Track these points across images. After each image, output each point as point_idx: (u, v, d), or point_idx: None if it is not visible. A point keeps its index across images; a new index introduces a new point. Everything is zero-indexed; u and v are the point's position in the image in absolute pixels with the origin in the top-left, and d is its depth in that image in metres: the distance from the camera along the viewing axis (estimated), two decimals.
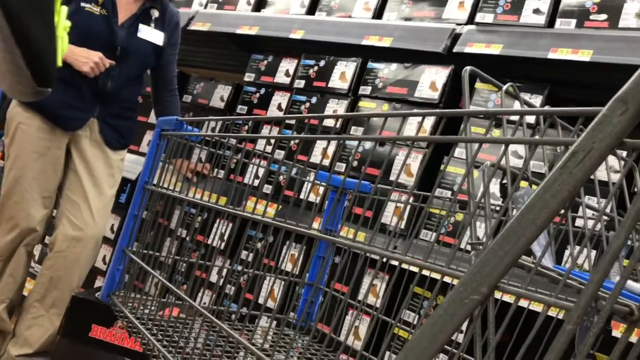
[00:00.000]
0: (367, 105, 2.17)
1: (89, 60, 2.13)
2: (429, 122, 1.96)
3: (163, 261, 1.42)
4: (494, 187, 1.77)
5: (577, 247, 1.51)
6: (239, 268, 2.09)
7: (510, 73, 1.95)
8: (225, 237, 2.34)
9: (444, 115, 0.72)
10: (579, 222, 1.57)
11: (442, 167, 1.92)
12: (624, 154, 1.40)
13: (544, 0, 1.86)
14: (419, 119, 2.01)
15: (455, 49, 1.95)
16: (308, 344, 1.46)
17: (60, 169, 2.29)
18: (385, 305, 1.78)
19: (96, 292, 2.20)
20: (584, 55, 1.69)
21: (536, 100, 1.84)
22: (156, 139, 1.38)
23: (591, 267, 0.85)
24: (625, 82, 0.54)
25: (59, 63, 0.58)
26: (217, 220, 2.37)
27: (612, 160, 1.63)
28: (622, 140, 0.57)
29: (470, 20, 2.03)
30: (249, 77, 2.57)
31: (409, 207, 1.92)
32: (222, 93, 2.71)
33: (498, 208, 1.48)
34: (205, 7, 2.85)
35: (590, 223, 1.22)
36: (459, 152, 1.93)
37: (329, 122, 2.20)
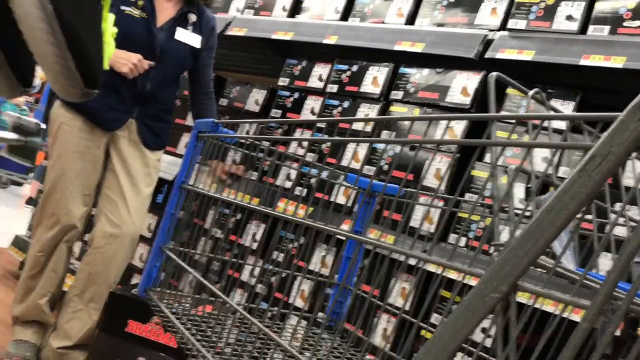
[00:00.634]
0: (398, 110, 2.20)
1: (128, 61, 2.21)
2: (460, 127, 1.98)
3: (198, 259, 1.47)
4: (522, 191, 1.78)
5: (608, 254, 1.51)
6: (270, 267, 2.13)
7: (542, 79, 1.95)
8: (258, 237, 2.39)
9: (465, 118, 0.75)
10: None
11: (471, 171, 1.93)
12: None
13: (577, 7, 1.87)
14: (449, 123, 2.03)
15: (487, 55, 1.97)
16: (335, 343, 1.50)
17: (100, 168, 2.37)
18: (412, 307, 1.80)
19: (133, 288, 2.27)
20: (617, 62, 1.69)
21: (568, 107, 1.84)
22: (193, 141, 1.44)
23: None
24: None
25: (106, 67, 0.63)
26: (250, 221, 2.42)
27: None
28: (639, 145, 0.60)
29: (503, 26, 2.04)
30: (283, 81, 2.62)
31: (437, 211, 1.94)
32: (257, 97, 2.76)
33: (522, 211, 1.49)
34: (242, 12, 2.92)
35: (621, 230, 1.22)
36: (490, 157, 1.94)
37: (359, 126, 2.23)
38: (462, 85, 2.06)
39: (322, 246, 2.16)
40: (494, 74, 0.88)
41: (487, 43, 2.01)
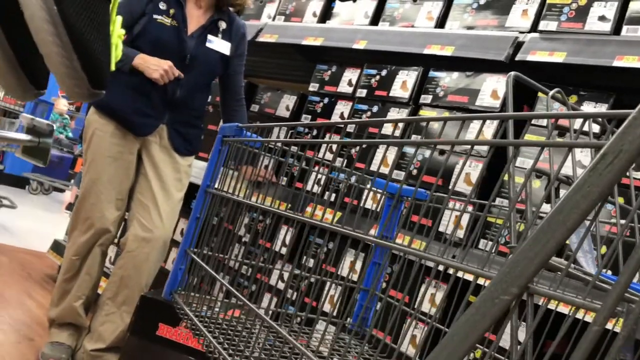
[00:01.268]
0: (427, 114, 2.18)
1: (159, 67, 2.25)
2: (490, 130, 1.95)
3: (226, 264, 1.47)
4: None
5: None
6: (298, 272, 2.13)
7: (575, 81, 1.91)
8: (287, 242, 2.39)
9: (478, 118, 0.74)
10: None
11: (503, 175, 1.90)
12: None
13: (610, 7, 1.82)
14: (478, 127, 2.00)
15: (518, 57, 1.94)
16: (363, 350, 1.48)
17: (132, 173, 2.41)
18: (441, 314, 1.78)
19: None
20: None
21: (601, 109, 1.80)
22: (218, 145, 1.45)
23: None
24: None
25: (113, 68, 0.64)
26: (279, 226, 2.43)
27: None
28: None
29: (534, 28, 2.00)
30: (313, 86, 2.63)
31: (467, 216, 1.91)
32: (287, 102, 2.78)
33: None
34: (274, 19, 2.94)
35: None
36: (521, 161, 1.90)
37: (389, 131, 2.22)
38: (492, 89, 2.03)
39: (351, 251, 2.16)
40: (512, 73, 0.87)
41: (517, 45, 1.98)
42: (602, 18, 1.84)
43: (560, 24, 1.92)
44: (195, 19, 2.39)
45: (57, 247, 3.68)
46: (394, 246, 0.97)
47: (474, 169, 1.97)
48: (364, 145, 2.26)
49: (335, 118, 2.49)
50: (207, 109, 2.77)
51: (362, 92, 2.42)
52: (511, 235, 0.79)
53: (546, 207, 1.73)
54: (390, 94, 2.32)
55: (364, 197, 2.20)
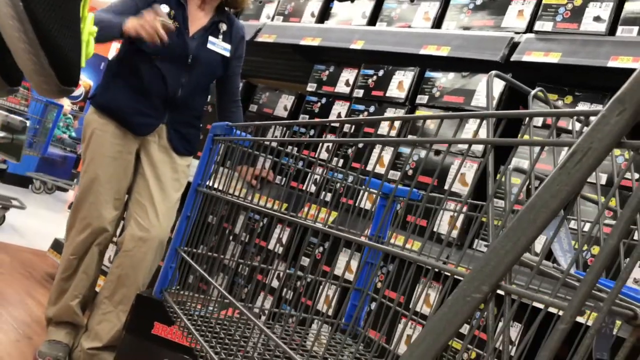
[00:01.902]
0: (423, 114, 2.18)
1: (145, 23, 2.16)
2: (484, 131, 1.95)
3: (219, 263, 1.47)
4: None
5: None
6: (292, 272, 2.13)
7: (570, 82, 1.90)
8: (283, 241, 2.40)
9: (458, 117, 0.74)
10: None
11: (498, 176, 1.89)
12: None
13: (605, 8, 1.82)
14: (475, 128, 2.00)
15: (513, 58, 1.93)
16: (355, 349, 1.48)
17: (130, 173, 2.42)
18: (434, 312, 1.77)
19: None
20: None
21: (596, 109, 1.79)
22: (209, 144, 1.45)
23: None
24: None
25: (83, 64, 0.64)
26: (274, 225, 2.43)
27: None
28: (620, 141, 0.58)
29: (530, 28, 2.00)
30: (311, 87, 2.63)
31: (461, 217, 1.91)
32: (285, 103, 2.78)
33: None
34: (272, 19, 2.94)
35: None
36: (515, 161, 1.90)
37: (384, 131, 2.22)
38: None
39: (346, 251, 2.16)
40: (493, 72, 0.87)
41: (513, 46, 1.98)
42: (597, 19, 1.83)
43: (556, 25, 1.92)
44: (197, 20, 2.40)
45: (58, 246, 3.69)
46: (385, 249, 0.96)
47: (469, 169, 1.96)
48: (360, 145, 2.26)
49: (332, 118, 2.49)
50: (206, 109, 2.77)
51: (359, 92, 2.42)
52: (489, 234, 0.79)
53: None
54: (387, 94, 2.32)
55: (358, 198, 2.20)
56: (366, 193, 2.15)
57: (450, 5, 2.26)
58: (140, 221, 2.36)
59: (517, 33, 2.01)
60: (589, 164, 0.58)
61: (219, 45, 2.43)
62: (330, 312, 2.07)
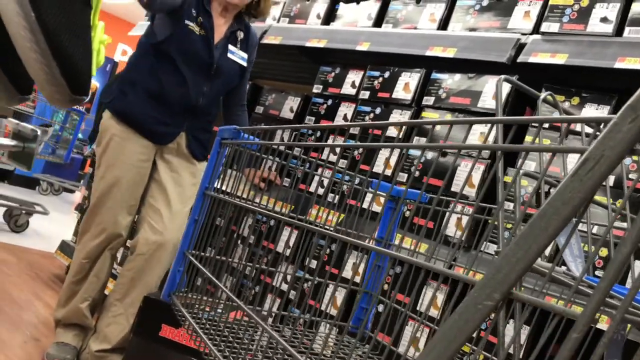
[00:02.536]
0: (430, 116, 2.18)
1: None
2: (493, 133, 1.94)
3: (228, 266, 1.47)
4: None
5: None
6: (301, 275, 2.14)
7: (576, 83, 1.90)
8: (290, 244, 2.40)
9: (466, 122, 0.74)
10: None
11: (506, 178, 1.89)
12: None
13: (612, 9, 1.81)
14: (482, 129, 2.00)
15: (520, 59, 1.93)
16: (361, 351, 1.48)
17: (146, 179, 2.42)
18: (443, 314, 1.77)
19: None
20: None
21: (603, 111, 1.79)
22: (216, 147, 1.45)
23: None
24: None
25: (94, 73, 0.64)
26: (281, 227, 2.43)
27: None
28: (632, 148, 0.58)
29: (536, 29, 2.00)
30: (317, 88, 2.63)
31: (469, 219, 1.90)
32: (291, 104, 2.78)
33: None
34: (278, 21, 2.95)
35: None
36: (525, 164, 1.89)
37: (392, 133, 2.21)
38: (494, 90, 2.02)
39: (354, 253, 2.16)
40: (502, 77, 0.87)
41: (519, 47, 1.97)
42: (604, 19, 1.83)
43: (563, 26, 1.91)
44: (219, 28, 2.39)
45: (65, 248, 3.70)
46: (393, 254, 0.96)
47: (475, 171, 1.96)
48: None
49: (338, 120, 2.49)
50: None
51: (365, 94, 2.42)
52: (500, 240, 0.79)
53: None
54: (393, 96, 2.32)
55: (367, 200, 2.20)
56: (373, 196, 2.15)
57: (456, 7, 2.26)
58: (155, 225, 2.36)
59: (523, 34, 2.01)
60: (601, 172, 0.58)
61: (237, 55, 2.43)
62: (336, 314, 2.07)
